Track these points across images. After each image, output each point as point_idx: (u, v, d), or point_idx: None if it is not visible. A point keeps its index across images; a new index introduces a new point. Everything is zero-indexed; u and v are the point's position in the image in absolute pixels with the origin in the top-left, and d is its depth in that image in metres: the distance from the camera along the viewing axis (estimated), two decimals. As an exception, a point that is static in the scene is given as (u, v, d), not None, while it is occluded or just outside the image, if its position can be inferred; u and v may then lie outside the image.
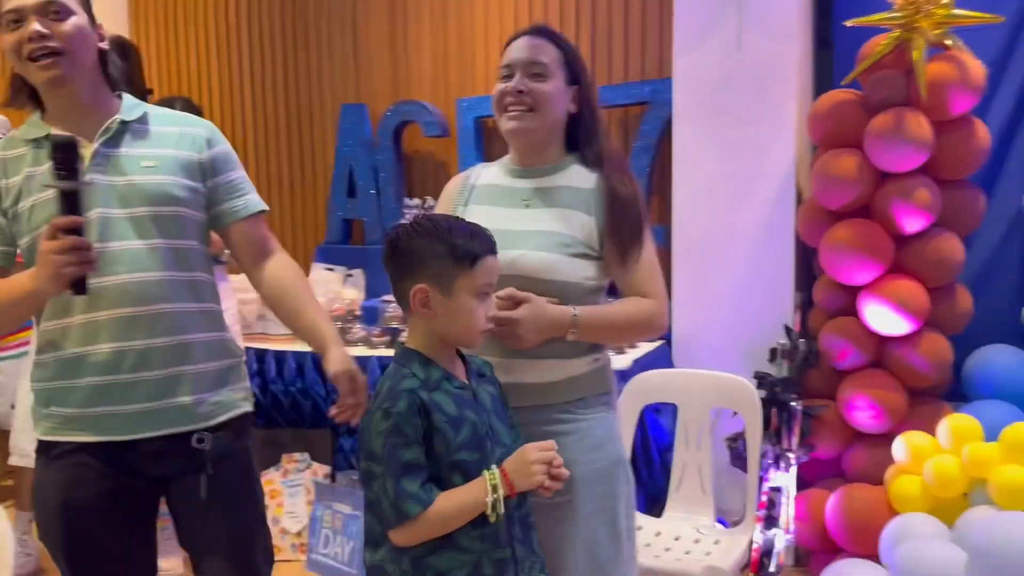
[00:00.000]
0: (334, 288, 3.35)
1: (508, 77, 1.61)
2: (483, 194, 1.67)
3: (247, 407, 1.64)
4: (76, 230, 1.35)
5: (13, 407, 2.77)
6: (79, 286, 1.37)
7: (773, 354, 2.77)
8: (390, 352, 2.98)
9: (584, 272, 1.57)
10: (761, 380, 2.69)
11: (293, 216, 3.99)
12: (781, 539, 2.50)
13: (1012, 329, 2.77)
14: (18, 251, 1.55)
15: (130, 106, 1.59)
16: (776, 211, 2.82)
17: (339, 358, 1.57)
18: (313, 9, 3.83)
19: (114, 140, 1.53)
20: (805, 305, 2.87)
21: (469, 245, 1.32)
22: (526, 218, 1.60)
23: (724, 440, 2.67)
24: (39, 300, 1.46)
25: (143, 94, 4.03)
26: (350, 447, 3.00)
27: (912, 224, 2.48)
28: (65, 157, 1.35)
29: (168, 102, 3.05)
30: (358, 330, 3.08)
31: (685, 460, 2.38)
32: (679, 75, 2.89)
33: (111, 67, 1.59)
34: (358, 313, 3.27)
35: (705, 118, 2.87)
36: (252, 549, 1.64)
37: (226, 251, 2.07)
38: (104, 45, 1.57)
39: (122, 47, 2.29)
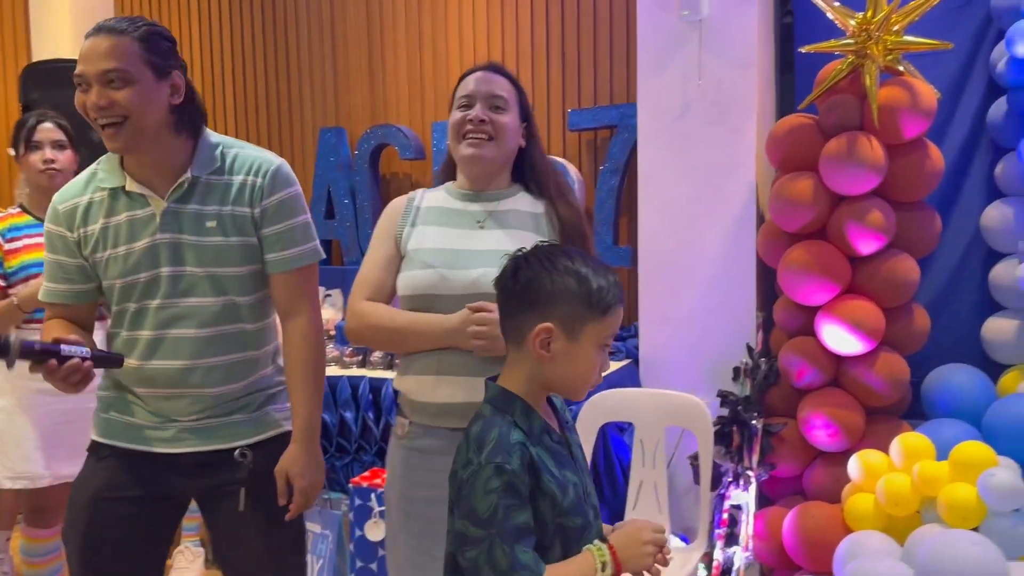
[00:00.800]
0: (310, 308, 3.40)
1: (467, 107, 1.68)
2: (431, 215, 1.73)
3: (288, 426, 1.70)
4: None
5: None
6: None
7: (736, 373, 2.81)
8: (362, 372, 3.05)
9: None
10: (724, 399, 2.73)
11: (274, 237, 4.06)
12: (740, 557, 2.54)
13: (972, 348, 2.81)
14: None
15: (206, 156, 1.61)
16: (738, 233, 2.87)
17: (287, 457, 1.64)
18: (294, 36, 3.92)
19: (184, 198, 1.59)
20: (767, 324, 2.91)
21: (606, 290, 1.19)
22: (482, 239, 1.66)
23: (688, 458, 2.71)
24: None
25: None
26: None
27: (866, 245, 2.52)
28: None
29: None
30: (331, 350, 3.13)
31: (642, 478, 2.42)
32: (643, 101, 2.96)
33: (186, 118, 1.60)
34: (332, 333, 3.32)
35: (669, 142, 2.93)
36: (289, 565, 1.70)
37: None
38: (176, 99, 1.58)
39: None
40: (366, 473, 2.81)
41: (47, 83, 3.56)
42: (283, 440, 1.68)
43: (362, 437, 2.95)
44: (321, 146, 3.74)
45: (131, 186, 1.59)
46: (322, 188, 3.74)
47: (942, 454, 2.37)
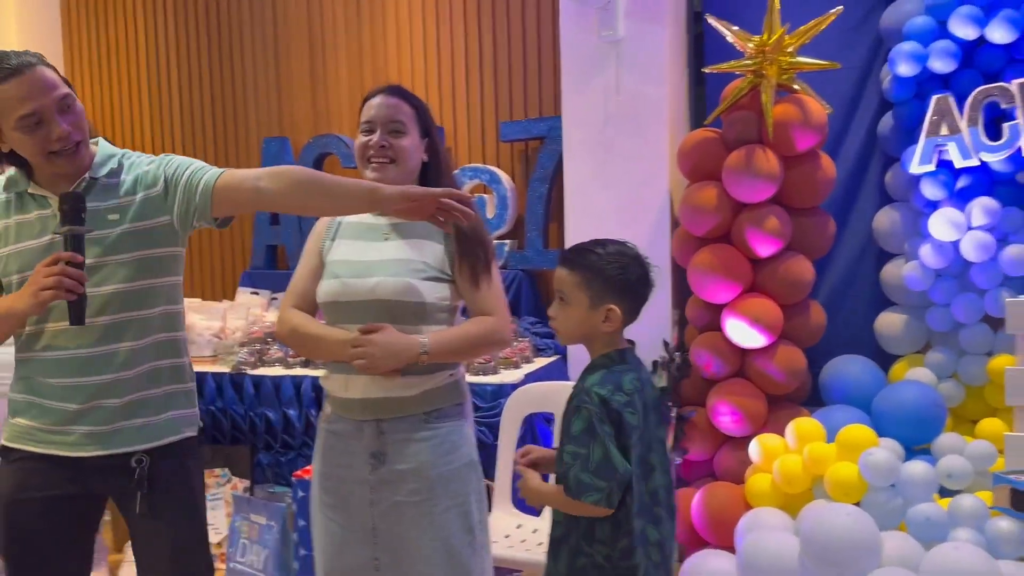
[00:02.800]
0: (255, 312, 3.55)
1: (369, 132, 1.84)
2: (348, 230, 1.90)
3: (191, 432, 1.79)
4: (75, 264, 1.56)
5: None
6: (75, 316, 1.58)
7: (655, 366, 3.03)
8: (304, 372, 3.21)
9: (438, 293, 1.81)
10: (642, 391, 2.95)
11: (222, 242, 4.19)
12: (654, 535, 2.76)
13: (866, 341, 3.08)
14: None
15: (103, 159, 1.73)
16: (655, 237, 3.09)
17: (390, 193, 1.65)
18: (238, 49, 4.05)
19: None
20: (682, 321, 3.14)
21: None
22: (384, 249, 1.83)
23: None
24: (17, 319, 1.63)
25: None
26: (267, 462, 3.20)
27: (765, 248, 2.76)
28: (73, 207, 1.58)
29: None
30: (274, 351, 3.28)
31: (562, 464, 2.62)
32: (567, 114, 3.17)
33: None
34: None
35: (591, 153, 3.14)
36: (194, 561, 1.79)
37: None
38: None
39: None
40: (308, 467, 2.97)
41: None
42: (184, 444, 1.76)
43: (305, 433, 3.11)
44: (265, 155, 3.88)
45: (33, 189, 1.70)
46: (267, 195, 3.87)
47: (834, 437, 2.62)
